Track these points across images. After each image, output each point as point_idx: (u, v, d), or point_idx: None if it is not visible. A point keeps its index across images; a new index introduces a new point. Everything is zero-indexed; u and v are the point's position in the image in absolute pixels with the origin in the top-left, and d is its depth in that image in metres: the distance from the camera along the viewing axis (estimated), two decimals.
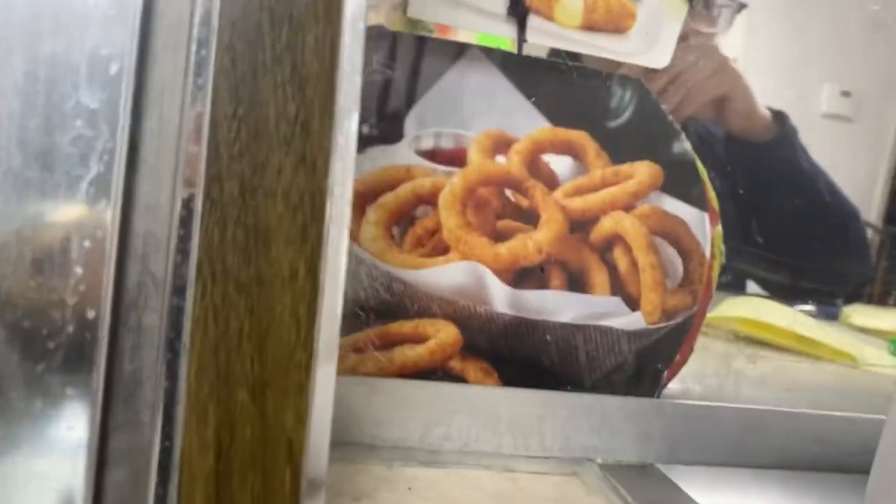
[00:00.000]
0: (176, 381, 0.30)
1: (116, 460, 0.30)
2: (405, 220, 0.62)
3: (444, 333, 0.63)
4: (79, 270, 0.30)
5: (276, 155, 0.31)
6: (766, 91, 0.68)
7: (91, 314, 0.30)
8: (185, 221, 0.31)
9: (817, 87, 0.69)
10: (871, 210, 0.72)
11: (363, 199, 0.61)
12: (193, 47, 0.31)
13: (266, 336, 0.31)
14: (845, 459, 0.64)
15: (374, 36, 0.60)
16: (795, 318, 1.01)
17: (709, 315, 0.68)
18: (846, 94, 0.69)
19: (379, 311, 0.61)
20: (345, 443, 0.55)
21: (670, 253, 0.67)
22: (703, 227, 0.67)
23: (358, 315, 0.61)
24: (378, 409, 0.56)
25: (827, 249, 0.70)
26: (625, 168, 0.65)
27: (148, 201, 0.31)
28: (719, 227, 0.67)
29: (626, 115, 0.65)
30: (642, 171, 0.65)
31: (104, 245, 0.30)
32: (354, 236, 0.61)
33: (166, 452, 0.30)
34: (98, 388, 0.30)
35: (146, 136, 0.31)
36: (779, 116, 0.66)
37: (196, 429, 0.31)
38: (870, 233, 0.73)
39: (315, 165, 0.31)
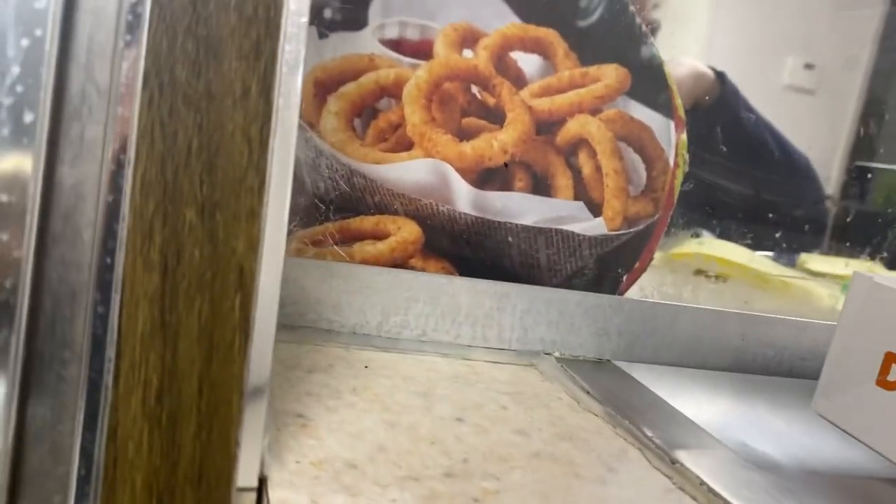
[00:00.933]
0: (120, 195, 0.29)
1: (55, 276, 0.29)
2: (368, 111, 0.61)
3: (405, 231, 0.62)
4: (16, 70, 0.28)
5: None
6: (730, 62, 0.68)
7: (29, 118, 0.28)
8: (132, 27, 0.29)
9: (781, 59, 0.68)
10: (830, 182, 0.73)
11: (324, 88, 0.60)
12: None
13: (216, 154, 0.30)
14: (797, 364, 0.65)
15: None
16: (753, 258, 1.03)
17: (669, 251, 0.68)
18: (809, 66, 0.70)
19: (339, 204, 0.60)
20: (301, 326, 0.54)
21: (634, 159, 0.66)
22: (669, 133, 0.67)
23: (318, 207, 0.60)
24: (336, 293, 0.55)
25: (780, 200, 0.71)
26: (592, 70, 0.64)
27: (92, 2, 0.29)
28: (684, 135, 0.67)
29: (597, 14, 0.63)
30: (610, 74, 0.64)
31: (43, 44, 0.28)
32: (315, 126, 0.59)
33: (108, 270, 0.29)
34: (34, 199, 0.28)
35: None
36: (721, 77, 0.67)
37: (140, 248, 0.29)
38: (827, 204, 0.74)
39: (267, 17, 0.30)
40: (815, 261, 1.08)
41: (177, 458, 0.30)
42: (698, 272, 0.68)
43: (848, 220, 0.74)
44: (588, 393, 0.51)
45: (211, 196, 0.30)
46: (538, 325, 0.59)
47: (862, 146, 0.74)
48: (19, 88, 0.28)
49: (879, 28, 0.72)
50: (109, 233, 0.29)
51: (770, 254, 0.95)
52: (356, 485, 0.33)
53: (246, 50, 0.30)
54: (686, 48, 0.66)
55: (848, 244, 0.77)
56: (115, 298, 0.29)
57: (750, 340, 0.64)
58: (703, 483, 0.39)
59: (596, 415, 0.48)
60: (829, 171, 0.73)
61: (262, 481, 0.32)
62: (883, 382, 0.49)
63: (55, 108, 0.29)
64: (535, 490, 0.36)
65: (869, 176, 0.75)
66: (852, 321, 0.52)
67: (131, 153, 0.29)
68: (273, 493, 0.31)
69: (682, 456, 0.42)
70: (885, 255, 0.76)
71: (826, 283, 1.00)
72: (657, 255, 0.67)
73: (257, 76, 0.30)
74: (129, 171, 0.29)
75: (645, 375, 0.60)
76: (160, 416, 0.30)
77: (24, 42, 0.28)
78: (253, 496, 0.32)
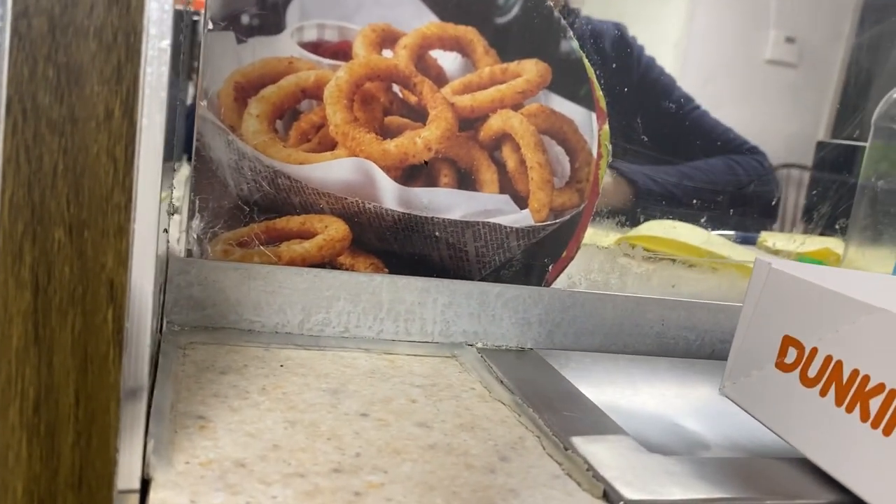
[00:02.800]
0: None
1: None
2: (289, 114, 0.62)
3: (332, 229, 0.63)
4: None
5: None
6: (712, 37, 0.70)
7: None
8: None
9: (762, 33, 0.70)
10: (809, 155, 0.74)
11: (244, 92, 0.61)
12: None
13: (82, 175, 0.31)
14: (718, 347, 0.67)
15: None
16: (710, 239, 1.04)
17: (625, 235, 0.69)
18: (790, 40, 0.71)
19: (263, 206, 0.61)
20: (221, 327, 0.56)
21: (558, 151, 0.68)
22: (591, 125, 0.68)
23: (242, 209, 0.61)
24: (256, 294, 0.57)
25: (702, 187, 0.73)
26: (513, 66, 0.65)
27: None
28: (606, 126, 0.68)
29: (514, 11, 0.65)
30: (530, 68, 0.66)
31: None
32: (236, 129, 0.60)
33: None
34: None
35: None
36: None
37: (11, 267, 0.31)
38: (805, 175, 0.75)
39: (129, 3, 0.31)
40: (775, 238, 1.10)
41: (56, 465, 0.32)
42: (622, 248, 0.70)
43: (821, 195, 0.76)
44: (501, 382, 0.53)
45: (78, 215, 0.31)
46: (460, 318, 0.61)
47: (844, 120, 0.75)
48: None
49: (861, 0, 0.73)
50: None
51: (731, 233, 0.97)
52: (240, 483, 0.35)
53: (107, 75, 0.31)
54: (667, 25, 0.68)
55: (820, 221, 0.79)
56: None
57: (670, 325, 0.66)
58: (589, 468, 0.41)
59: (504, 404, 0.50)
60: (811, 145, 0.74)
61: (147, 483, 0.34)
62: (781, 365, 0.51)
63: None
64: (420, 482, 0.38)
65: (850, 150, 0.77)
66: (754, 306, 0.54)
67: None
68: (154, 494, 0.33)
69: (577, 442, 0.44)
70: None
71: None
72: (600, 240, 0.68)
73: (120, 99, 0.31)
74: None
75: (565, 362, 0.62)
76: (38, 426, 0.32)
77: None
78: (136, 497, 0.33)
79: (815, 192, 0.78)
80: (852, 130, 0.76)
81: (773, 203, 0.79)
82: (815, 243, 0.97)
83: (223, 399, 0.44)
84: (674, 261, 0.74)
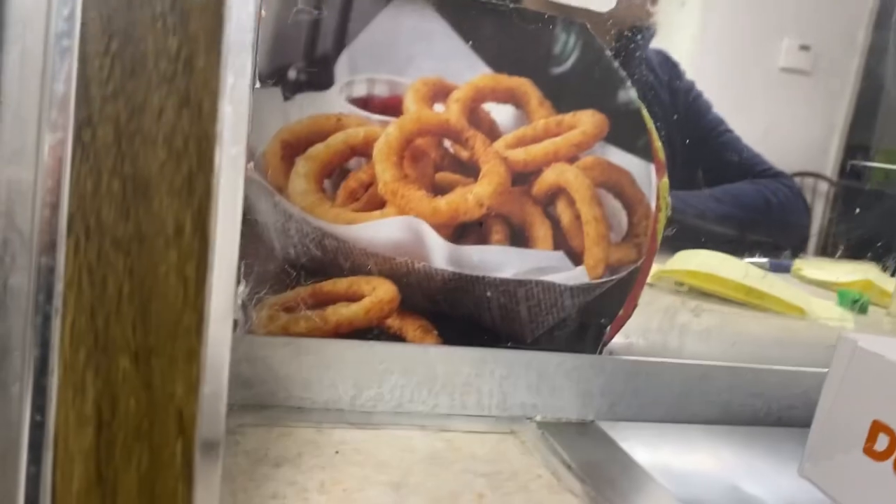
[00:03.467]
0: (48, 348, 0.27)
1: None
2: (337, 172, 0.59)
3: (380, 291, 0.60)
4: None
5: (155, 95, 0.28)
6: (726, 44, 0.67)
7: None
8: (54, 171, 0.27)
9: (776, 40, 0.67)
10: (827, 164, 0.72)
11: (292, 150, 0.58)
12: None
13: (149, 298, 0.28)
14: (786, 413, 0.64)
15: None
16: (747, 271, 1.01)
17: (659, 268, 0.66)
18: (805, 48, 0.68)
19: (310, 268, 0.59)
20: (271, 406, 0.53)
21: (614, 205, 0.65)
22: (649, 178, 0.65)
23: (288, 273, 0.58)
24: (306, 370, 0.54)
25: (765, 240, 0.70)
26: (568, 118, 0.62)
27: (11, 147, 0.27)
28: (665, 179, 0.65)
29: (571, 61, 0.62)
30: (586, 120, 0.63)
31: None
32: (283, 190, 0.58)
33: (38, 428, 0.27)
34: None
35: (7, 75, 0.27)
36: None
37: (72, 401, 0.28)
38: (824, 186, 0.73)
39: (201, 107, 0.28)
40: (810, 267, 1.07)
41: None
42: (682, 301, 0.67)
43: (843, 212, 0.72)
44: (569, 467, 0.50)
45: (145, 342, 0.28)
46: (518, 390, 0.58)
47: (859, 127, 0.72)
48: None
49: (875, 6, 0.70)
50: (38, 388, 0.27)
51: (762, 261, 0.94)
52: None
53: (177, 186, 0.28)
54: (681, 33, 0.65)
55: (846, 246, 0.76)
56: (48, 457, 0.28)
57: (737, 392, 0.62)
58: None
59: (576, 495, 0.47)
60: (827, 153, 0.72)
61: None
62: (870, 451, 0.48)
63: None
64: None
65: (866, 161, 0.74)
66: (838, 385, 0.50)
67: (58, 303, 0.27)
68: None
69: None
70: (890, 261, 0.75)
71: (822, 293, 0.99)
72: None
73: (191, 212, 0.28)
74: (56, 322, 0.27)
75: (630, 435, 0.58)
76: None
77: None
78: None
79: (836, 207, 0.75)
80: (867, 139, 0.73)
81: (806, 228, 0.76)
82: (850, 271, 0.94)
83: (282, 501, 0.41)
84: (731, 310, 0.71)
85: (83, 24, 0.27)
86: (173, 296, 0.28)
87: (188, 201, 0.28)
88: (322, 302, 0.59)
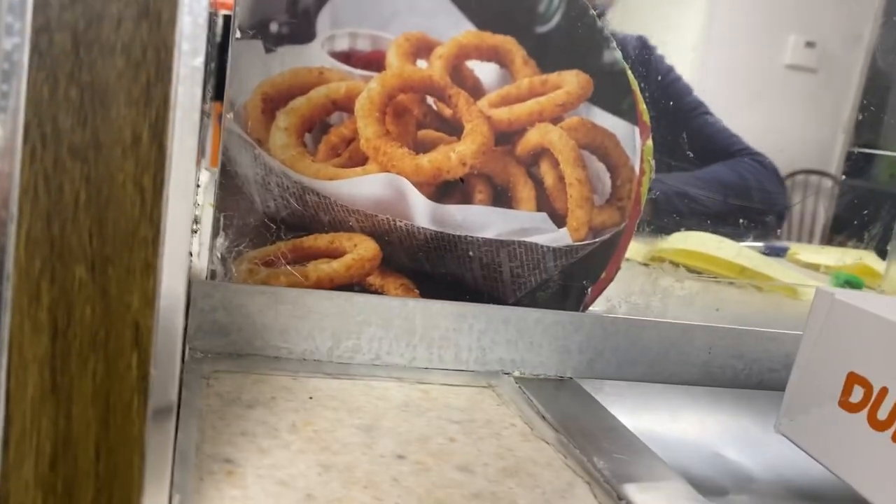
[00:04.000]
0: (3, 255, 0.27)
1: None
2: (319, 126, 0.59)
3: (361, 248, 0.60)
4: None
5: (114, 5, 0.28)
6: (731, 41, 0.67)
7: None
8: (9, 76, 0.27)
9: (782, 38, 0.67)
10: (832, 161, 0.72)
11: (272, 103, 0.58)
12: None
13: (106, 207, 0.28)
14: (767, 376, 0.63)
15: None
16: (741, 252, 1.01)
17: (654, 248, 0.66)
18: (810, 45, 0.68)
19: (291, 223, 0.58)
20: (248, 354, 0.53)
21: (598, 167, 0.64)
22: (634, 140, 0.65)
23: (268, 227, 0.58)
24: (284, 319, 0.54)
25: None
26: (553, 77, 0.62)
27: None
28: (650, 142, 0.65)
29: (555, 19, 0.61)
30: (571, 80, 0.62)
31: None
32: (263, 143, 0.57)
33: None
34: None
35: None
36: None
37: (27, 309, 0.28)
38: (829, 183, 0.73)
39: (160, 18, 0.28)
40: (806, 251, 1.06)
41: None
42: (664, 268, 0.67)
43: (846, 204, 0.72)
44: (543, 417, 0.50)
45: (101, 250, 0.28)
46: (497, 345, 0.58)
47: (865, 124, 0.72)
48: None
49: (881, 3, 0.70)
50: None
51: (759, 245, 0.93)
52: None
53: (135, 95, 0.28)
54: (685, 29, 0.65)
55: (846, 232, 0.76)
56: (2, 363, 0.28)
57: (717, 353, 0.62)
58: None
59: (548, 443, 0.47)
60: (832, 151, 0.72)
61: None
62: (845, 404, 0.48)
63: None
64: None
65: (871, 156, 0.73)
66: (815, 339, 0.50)
67: (13, 209, 0.27)
68: None
69: (630, 490, 0.41)
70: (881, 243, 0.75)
71: (816, 278, 0.98)
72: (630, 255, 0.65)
73: (148, 122, 0.28)
74: (12, 229, 0.27)
75: (608, 392, 0.58)
76: (55, 483, 0.29)
77: None
78: None
79: (839, 200, 0.74)
80: (873, 136, 0.72)
81: (784, 206, 0.75)
82: (848, 257, 0.93)
83: (251, 438, 0.41)
84: (717, 281, 0.71)
85: None
86: (130, 205, 0.28)
87: (145, 111, 0.28)
88: (302, 257, 0.59)
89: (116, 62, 0.28)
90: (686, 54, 0.65)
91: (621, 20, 0.62)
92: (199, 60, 0.29)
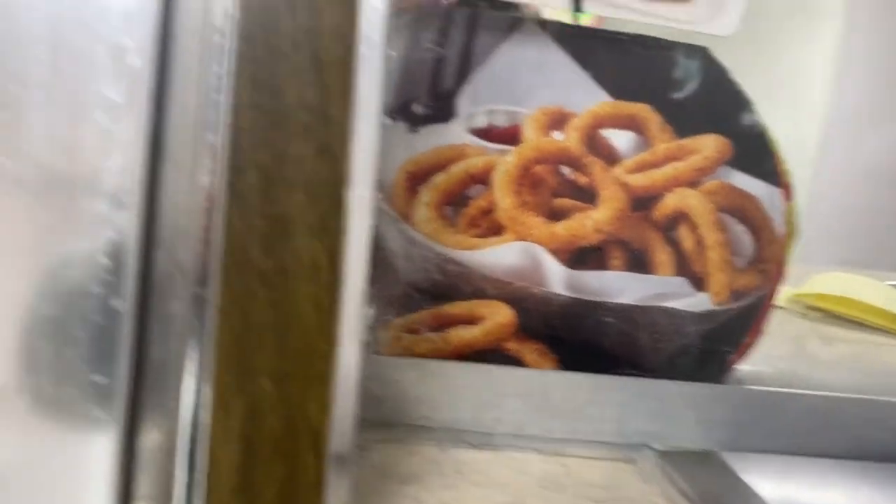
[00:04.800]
0: (201, 371, 0.31)
1: (145, 452, 0.31)
2: (458, 200, 0.61)
3: (498, 315, 0.62)
4: (104, 261, 0.30)
5: (296, 144, 0.31)
6: (869, 53, 0.65)
7: (118, 303, 0.30)
8: (208, 212, 0.31)
9: None
10: None
11: (416, 180, 0.61)
12: (213, 36, 0.30)
13: (288, 326, 0.31)
14: None
15: (424, 13, 0.58)
16: (888, 295, 0.94)
17: (795, 291, 0.64)
18: None
19: (433, 292, 0.61)
20: (397, 424, 0.56)
21: (739, 230, 0.63)
22: (776, 202, 0.63)
23: (412, 296, 0.61)
24: (430, 391, 0.56)
25: None
26: (689, 142, 0.62)
27: (171, 192, 0.31)
28: (794, 202, 0.63)
29: (692, 85, 0.61)
30: (708, 145, 0.62)
31: (128, 236, 0.30)
32: (408, 218, 0.60)
33: (192, 442, 0.31)
34: (125, 376, 0.30)
35: (169, 127, 0.31)
36: None
37: (221, 419, 0.31)
38: None
39: (335, 153, 0.31)
40: None
41: None
42: (812, 328, 0.64)
43: None
44: (688, 498, 0.50)
45: (283, 365, 0.31)
46: (637, 417, 0.58)
47: None
48: (108, 277, 0.30)
49: None
50: (193, 407, 0.31)
51: None
52: None
53: (314, 225, 0.31)
54: (821, 43, 0.64)
55: None
56: (202, 467, 0.31)
57: (868, 425, 0.60)
58: None
59: None
60: None
61: None
62: None
63: (142, 289, 0.31)
64: None
65: None
66: None
67: (210, 329, 0.31)
68: None
69: None
70: None
71: None
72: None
73: (326, 249, 0.31)
74: (209, 347, 0.31)
75: (754, 467, 0.57)
76: None
77: (111, 235, 0.30)
78: None
79: None
80: None
81: None
82: None
83: None
84: (868, 340, 0.68)
85: (234, 80, 0.31)
86: (309, 324, 0.31)
87: (323, 239, 0.31)
88: (443, 324, 0.61)
89: (298, 196, 0.31)
90: (824, 67, 0.64)
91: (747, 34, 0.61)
92: (368, 189, 0.32)
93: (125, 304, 0.30)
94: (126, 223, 0.31)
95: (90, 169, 0.30)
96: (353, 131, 0.31)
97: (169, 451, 0.31)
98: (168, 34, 0.31)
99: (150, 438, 0.31)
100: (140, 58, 0.30)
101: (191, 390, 0.31)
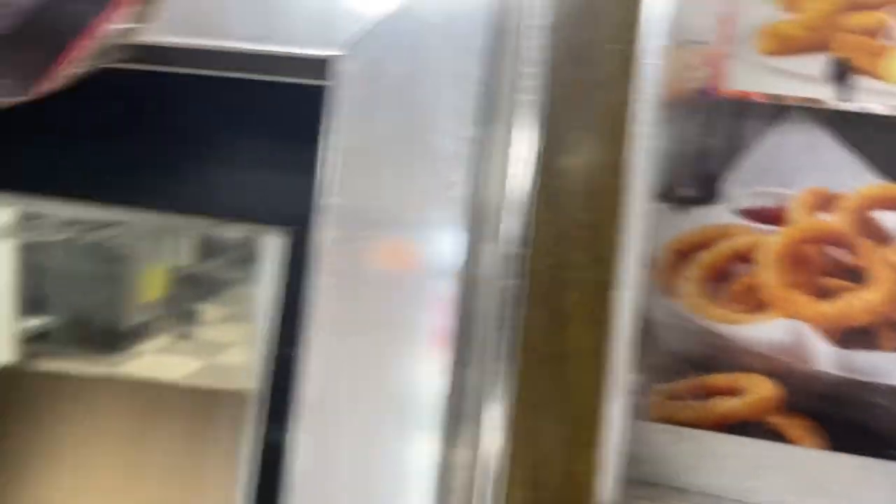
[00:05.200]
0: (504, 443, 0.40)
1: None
2: (723, 276, 0.66)
3: (761, 389, 0.64)
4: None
5: (575, 252, 0.39)
6: None
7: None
8: (503, 306, 0.40)
9: None
10: None
11: (681, 257, 0.66)
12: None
13: (567, 398, 0.39)
14: None
15: (692, 105, 0.64)
16: None
17: None
18: None
19: (696, 362, 0.65)
20: (658, 484, 0.61)
21: None
22: None
23: (675, 365, 0.66)
24: (690, 456, 0.61)
25: None
26: None
27: (485, 293, 0.41)
28: None
29: None
30: None
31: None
32: (673, 291, 0.66)
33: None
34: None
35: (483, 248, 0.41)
36: None
37: (514, 466, 0.40)
38: None
39: (609, 258, 0.39)
40: None
41: None
42: None
43: None
44: None
45: (562, 430, 0.39)
46: None
47: None
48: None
49: None
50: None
51: None
52: None
53: (588, 319, 0.39)
54: None
55: None
56: None
57: None
58: None
59: None
60: None
61: None
62: None
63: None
64: None
65: None
66: None
67: (507, 409, 0.40)
68: None
69: None
70: None
71: None
72: None
73: (597, 337, 0.39)
74: (505, 426, 0.40)
75: None
76: None
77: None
78: None
79: None
80: None
81: None
82: None
83: None
84: None
85: (530, 211, 0.40)
86: (584, 397, 0.39)
87: (595, 329, 0.39)
88: (705, 394, 0.65)
89: (574, 294, 0.39)
90: None
91: None
92: (634, 292, 0.39)
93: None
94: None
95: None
96: (622, 244, 0.38)
97: (472, 472, 0.40)
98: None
99: (461, 455, 0.41)
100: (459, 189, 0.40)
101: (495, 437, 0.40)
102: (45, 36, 0.43)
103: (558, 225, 0.39)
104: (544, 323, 0.39)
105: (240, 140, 0.49)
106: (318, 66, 0.42)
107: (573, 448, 0.39)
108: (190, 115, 0.48)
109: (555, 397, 0.39)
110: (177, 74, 0.45)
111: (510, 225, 0.40)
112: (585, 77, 0.39)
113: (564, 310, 0.39)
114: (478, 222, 0.41)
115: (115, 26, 0.42)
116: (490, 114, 0.39)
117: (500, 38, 0.40)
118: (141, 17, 0.42)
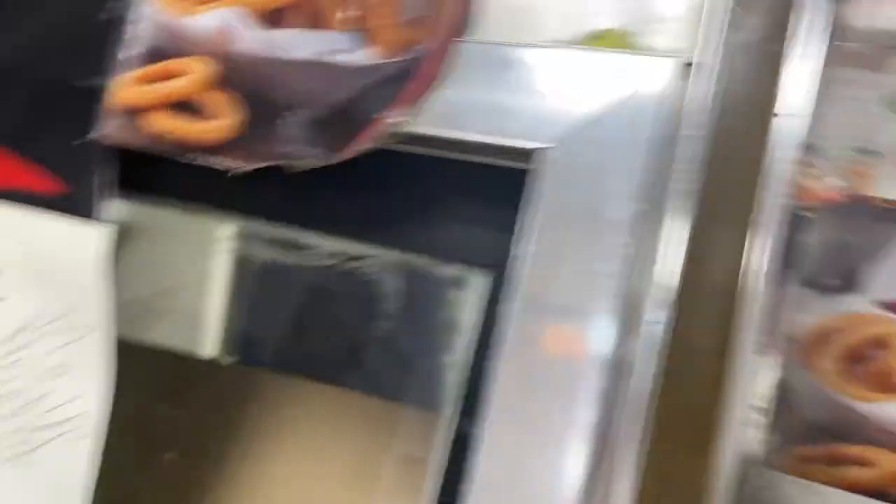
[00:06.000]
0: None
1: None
2: (860, 358, 0.74)
3: (889, 464, 0.71)
4: None
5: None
6: None
7: None
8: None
9: None
10: None
11: (822, 338, 0.75)
12: None
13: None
14: None
15: (828, 210, 0.74)
16: None
17: None
18: None
19: (830, 432, 0.73)
20: None
21: None
22: None
23: (809, 432, 0.74)
24: None
25: None
26: None
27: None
28: None
29: None
30: None
31: None
32: (813, 367, 0.74)
33: None
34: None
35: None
36: None
37: None
38: None
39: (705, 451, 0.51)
40: None
41: None
42: None
43: None
44: None
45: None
46: None
47: None
48: None
49: None
50: None
51: None
52: None
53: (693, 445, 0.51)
54: None
55: None
56: None
57: None
58: None
59: None
60: None
61: None
62: None
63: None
64: None
65: None
66: None
67: None
68: None
69: None
70: None
71: None
72: None
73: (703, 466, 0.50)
74: None
75: None
76: None
77: None
78: None
79: None
80: None
81: None
82: None
83: None
84: None
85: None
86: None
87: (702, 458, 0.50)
88: (836, 461, 0.73)
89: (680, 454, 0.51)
90: None
91: None
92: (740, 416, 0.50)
93: None
94: None
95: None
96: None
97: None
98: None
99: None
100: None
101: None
102: (347, 122, 0.63)
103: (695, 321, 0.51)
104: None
105: (464, 206, 0.66)
106: (527, 154, 0.57)
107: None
108: (431, 188, 0.66)
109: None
110: (429, 155, 0.63)
111: (657, 316, 0.52)
112: (731, 179, 0.52)
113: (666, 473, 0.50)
114: (630, 314, 0.51)
115: (392, 120, 0.61)
116: (649, 209, 0.53)
117: (666, 144, 0.54)
118: (409, 114, 0.61)
